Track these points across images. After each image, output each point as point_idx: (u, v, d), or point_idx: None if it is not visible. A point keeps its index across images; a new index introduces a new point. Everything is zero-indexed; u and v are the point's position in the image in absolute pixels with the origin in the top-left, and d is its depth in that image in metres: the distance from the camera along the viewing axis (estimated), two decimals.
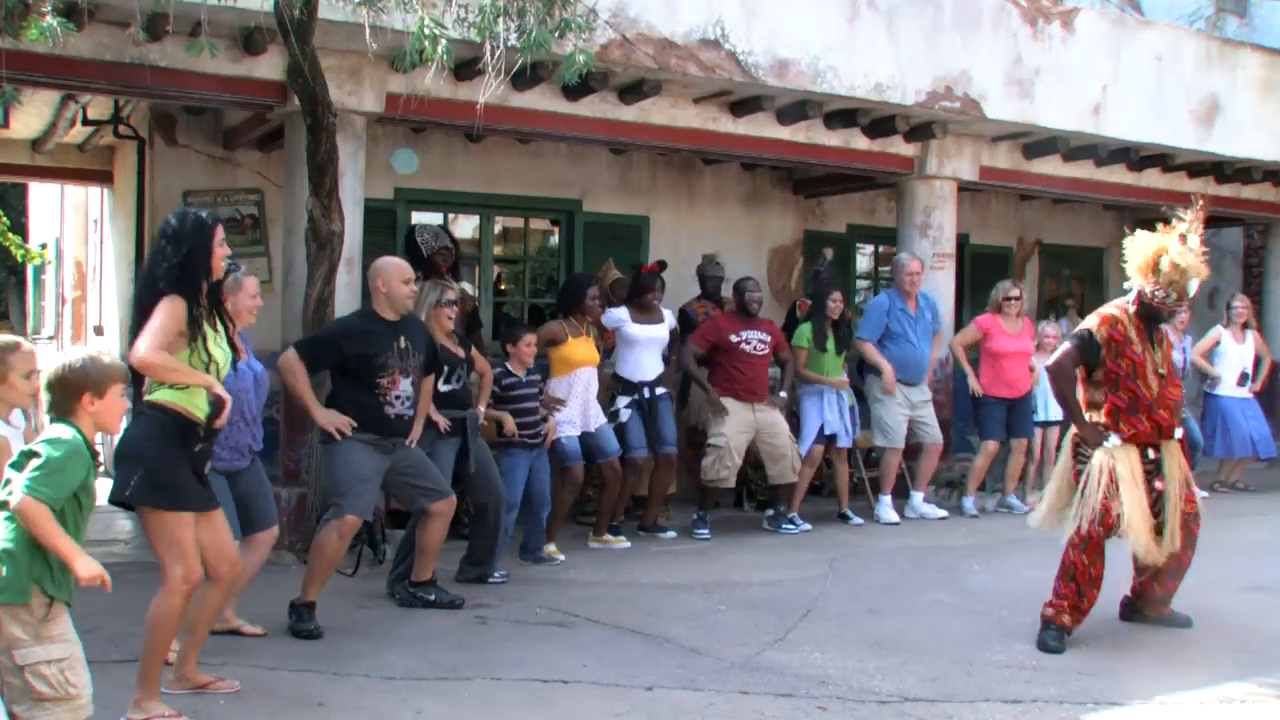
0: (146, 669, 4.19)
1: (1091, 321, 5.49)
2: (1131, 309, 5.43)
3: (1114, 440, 5.34)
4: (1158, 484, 5.37)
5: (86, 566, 3.23)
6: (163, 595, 4.16)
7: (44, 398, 3.47)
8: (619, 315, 7.87)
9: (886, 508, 8.72)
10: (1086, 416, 5.47)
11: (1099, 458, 5.35)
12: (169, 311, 4.13)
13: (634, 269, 8.40)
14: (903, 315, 8.73)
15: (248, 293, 5.21)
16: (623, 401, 7.74)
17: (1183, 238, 5.31)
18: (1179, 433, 5.50)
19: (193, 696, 4.42)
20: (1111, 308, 5.51)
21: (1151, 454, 5.39)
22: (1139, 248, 5.39)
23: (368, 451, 5.52)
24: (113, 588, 3.26)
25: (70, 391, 3.42)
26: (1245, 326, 10.60)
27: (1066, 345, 5.54)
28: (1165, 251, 5.28)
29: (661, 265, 8.53)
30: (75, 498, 3.36)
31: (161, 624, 4.17)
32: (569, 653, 5.16)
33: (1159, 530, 5.36)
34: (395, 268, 5.67)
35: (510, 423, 6.76)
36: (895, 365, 8.71)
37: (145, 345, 4.08)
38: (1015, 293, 9.16)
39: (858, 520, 8.60)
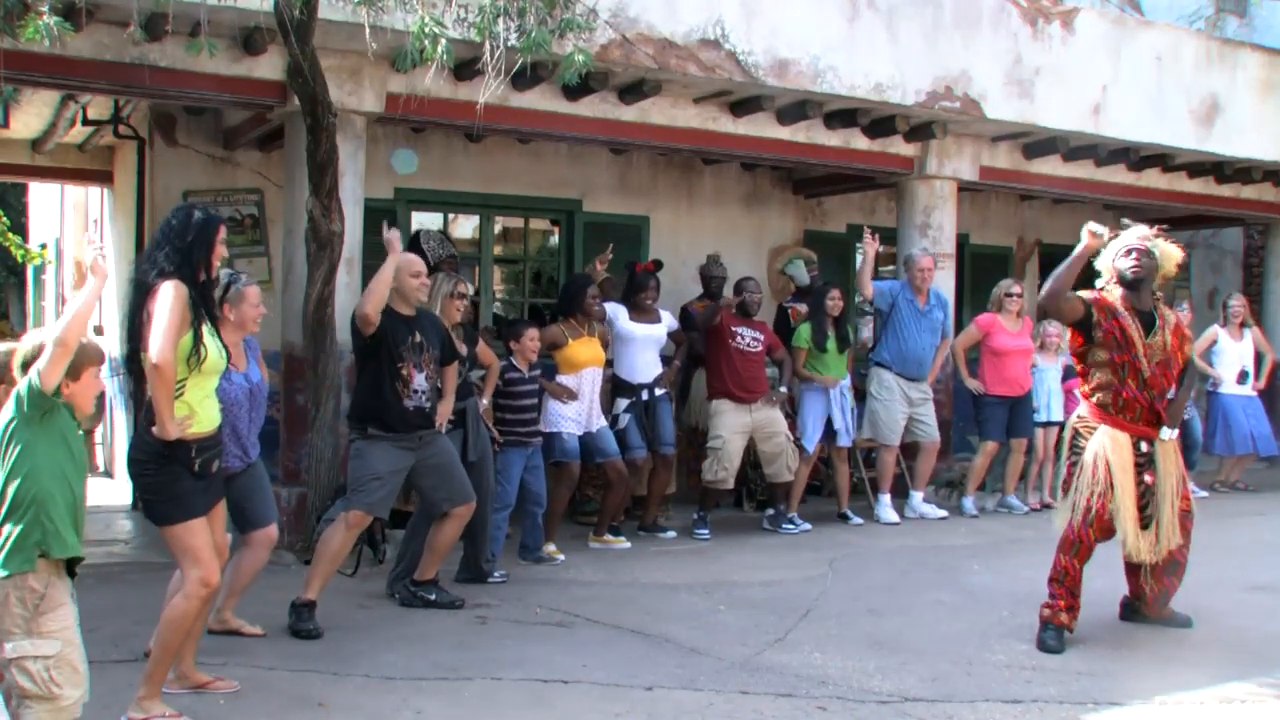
0: (153, 668, 4.21)
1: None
2: (1114, 291, 5.46)
3: (1114, 432, 5.33)
4: (1147, 478, 5.36)
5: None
6: (180, 597, 4.22)
7: (17, 378, 3.45)
8: (614, 309, 7.87)
9: (886, 508, 8.72)
10: (1082, 408, 5.51)
11: (1094, 449, 5.34)
12: (175, 297, 4.12)
13: (628, 268, 8.39)
14: (909, 308, 8.72)
15: (250, 302, 5.20)
16: (621, 404, 7.75)
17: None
18: (1173, 434, 5.46)
19: (193, 696, 4.42)
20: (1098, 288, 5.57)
21: (1144, 447, 5.38)
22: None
23: (390, 449, 5.56)
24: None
25: None
26: (1243, 325, 10.60)
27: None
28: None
29: (657, 265, 8.53)
30: (67, 445, 3.38)
31: (175, 624, 4.20)
32: (569, 653, 5.15)
33: (1144, 525, 5.36)
34: (402, 261, 5.71)
35: (497, 436, 6.78)
36: (895, 359, 8.70)
37: (161, 347, 4.06)
38: (1016, 290, 9.18)
39: (858, 520, 8.60)
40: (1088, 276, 5.56)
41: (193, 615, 4.24)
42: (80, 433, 3.50)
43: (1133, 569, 5.62)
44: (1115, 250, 5.51)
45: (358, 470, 5.60)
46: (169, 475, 4.19)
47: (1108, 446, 5.33)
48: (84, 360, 3.47)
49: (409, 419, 5.60)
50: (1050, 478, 9.02)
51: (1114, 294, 5.46)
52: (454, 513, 5.82)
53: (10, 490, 3.30)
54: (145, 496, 4.34)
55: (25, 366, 3.42)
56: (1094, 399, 5.44)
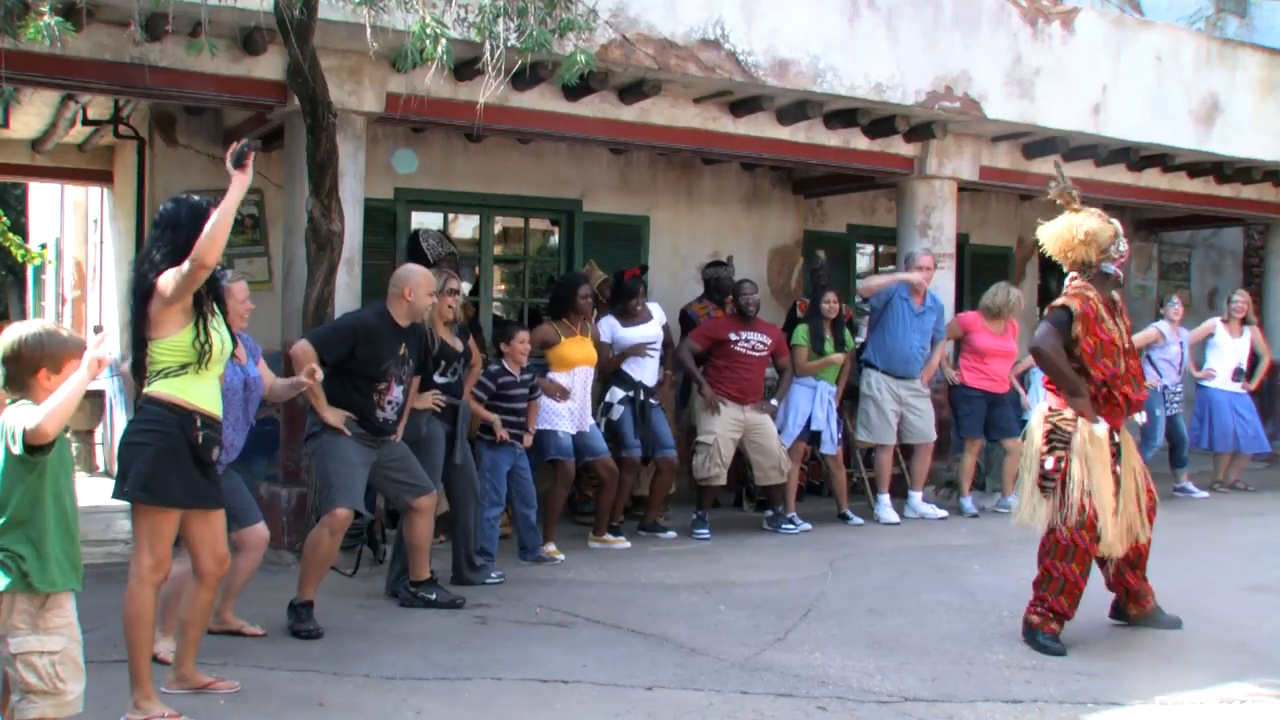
0: (134, 667, 4.17)
1: (1063, 300, 5.42)
2: (1090, 291, 5.40)
3: (1103, 425, 5.29)
4: (1116, 468, 5.34)
5: None
6: (131, 587, 4.14)
7: None
8: (609, 324, 7.90)
9: (886, 508, 8.71)
10: (1054, 399, 5.43)
11: (1078, 447, 5.24)
12: (176, 271, 4.12)
13: (616, 275, 8.42)
14: (905, 306, 8.71)
15: (236, 298, 5.19)
16: (617, 395, 7.74)
17: (1072, 209, 5.62)
18: (1141, 417, 5.46)
19: (193, 696, 4.42)
20: (1076, 289, 5.44)
21: (1116, 438, 5.35)
22: (1056, 234, 5.59)
23: (357, 445, 5.56)
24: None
25: (26, 367, 3.31)
26: (1244, 322, 10.53)
27: (1046, 325, 5.38)
28: (1075, 224, 5.53)
29: (643, 269, 8.57)
30: (59, 452, 3.31)
31: (136, 618, 4.15)
32: (569, 653, 5.15)
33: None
34: (424, 279, 5.74)
35: (500, 429, 6.78)
36: (885, 356, 8.70)
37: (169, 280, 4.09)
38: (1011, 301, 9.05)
39: (858, 520, 8.60)
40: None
41: (148, 603, 4.14)
42: (74, 448, 3.45)
43: (1103, 564, 5.54)
44: (1099, 248, 5.44)
45: (333, 466, 5.51)
46: (164, 457, 4.11)
47: (1090, 442, 5.26)
48: (65, 352, 3.35)
49: (378, 428, 5.62)
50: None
51: (1090, 294, 5.39)
52: (418, 505, 5.79)
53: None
54: (138, 466, 4.13)
55: (5, 362, 3.32)
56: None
